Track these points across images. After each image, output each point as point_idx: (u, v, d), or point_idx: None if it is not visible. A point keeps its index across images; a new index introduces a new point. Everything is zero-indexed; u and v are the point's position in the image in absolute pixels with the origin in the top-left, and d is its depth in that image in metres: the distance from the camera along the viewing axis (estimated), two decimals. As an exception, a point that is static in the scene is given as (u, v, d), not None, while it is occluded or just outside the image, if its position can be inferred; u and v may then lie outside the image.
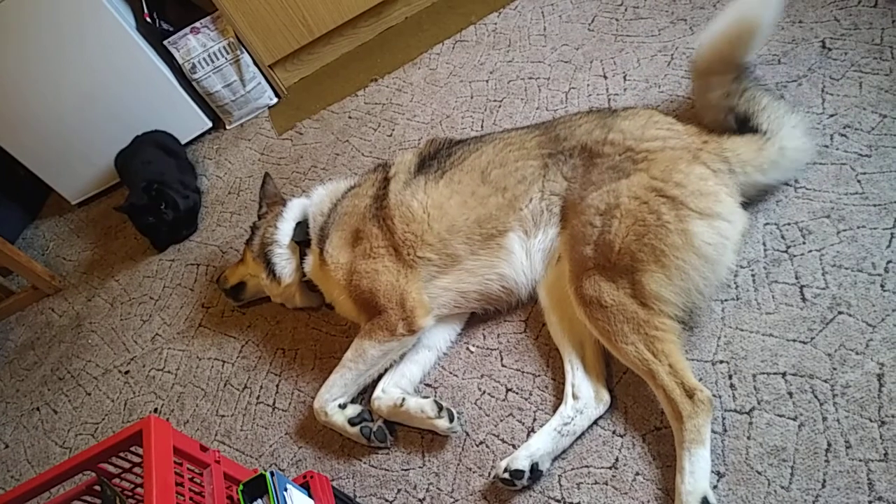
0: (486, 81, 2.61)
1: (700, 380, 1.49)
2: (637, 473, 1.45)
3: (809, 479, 1.30)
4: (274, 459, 1.87)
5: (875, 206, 1.59)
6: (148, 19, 2.87)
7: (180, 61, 2.97)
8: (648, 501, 1.40)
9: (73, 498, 1.44)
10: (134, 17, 2.92)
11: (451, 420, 1.65)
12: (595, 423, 1.55)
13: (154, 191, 2.64)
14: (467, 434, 1.68)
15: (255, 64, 3.09)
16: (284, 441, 1.89)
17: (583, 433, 1.54)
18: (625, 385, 1.59)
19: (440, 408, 1.65)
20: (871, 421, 1.32)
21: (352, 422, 1.75)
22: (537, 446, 1.51)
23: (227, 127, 3.25)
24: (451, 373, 1.82)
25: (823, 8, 2.06)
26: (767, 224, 1.68)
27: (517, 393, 1.70)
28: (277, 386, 2.04)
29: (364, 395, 1.86)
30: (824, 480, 1.29)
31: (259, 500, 1.32)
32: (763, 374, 1.46)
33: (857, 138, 1.73)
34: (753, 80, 1.74)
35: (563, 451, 1.54)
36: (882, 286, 1.47)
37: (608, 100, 2.24)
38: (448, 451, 1.67)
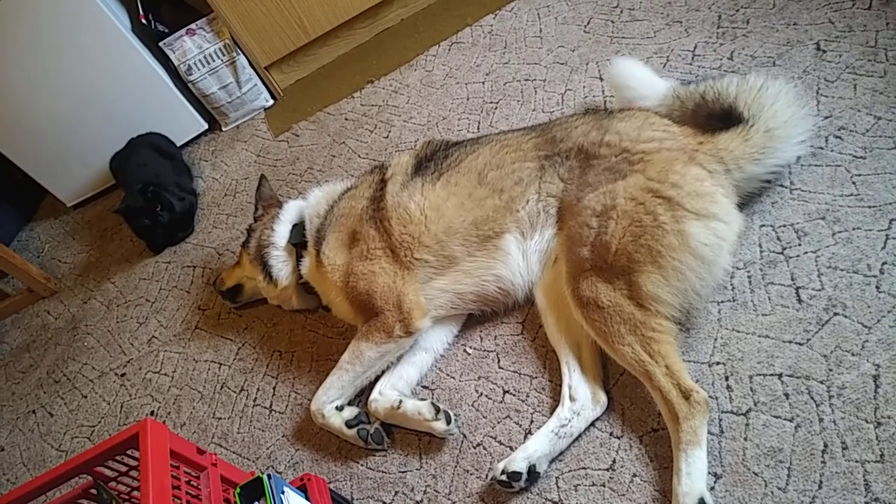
0: (483, 83, 2.61)
1: (697, 381, 1.49)
2: (634, 475, 1.45)
3: (806, 481, 1.30)
4: (271, 462, 1.87)
5: (870, 207, 1.60)
6: (143, 21, 2.87)
7: (176, 63, 2.96)
8: (646, 503, 1.41)
9: (70, 501, 1.44)
10: (129, 18, 2.92)
11: (449, 422, 1.65)
12: (592, 424, 1.55)
13: (150, 193, 2.64)
14: (464, 436, 1.68)
15: (251, 66, 3.09)
16: (281, 443, 1.89)
17: (580, 435, 1.54)
18: (622, 386, 1.59)
19: (437, 410, 1.65)
20: (867, 422, 1.32)
21: (349, 424, 1.75)
22: (534, 448, 1.51)
23: (223, 129, 3.24)
24: (448, 375, 1.82)
25: (818, 10, 2.07)
26: (763, 226, 1.69)
27: (514, 395, 1.70)
28: (274, 388, 2.03)
29: (361, 397, 1.86)
30: (821, 481, 1.29)
31: (256, 503, 1.32)
32: (759, 375, 1.47)
33: (852, 140, 1.74)
34: (704, 81, 1.76)
35: (561, 453, 1.54)
36: (877, 287, 1.48)
37: (604, 101, 2.25)
38: (445, 453, 1.67)
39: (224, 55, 3.00)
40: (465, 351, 1.85)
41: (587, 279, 1.56)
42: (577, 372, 1.61)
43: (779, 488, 1.31)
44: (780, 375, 1.45)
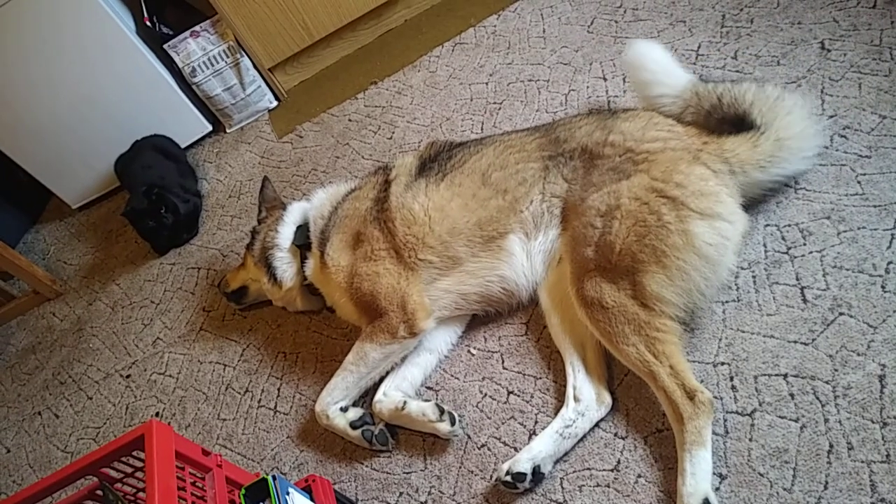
0: (486, 84, 2.61)
1: (701, 381, 1.49)
2: (639, 475, 1.45)
3: (812, 481, 1.30)
4: (276, 463, 1.87)
5: (875, 206, 1.59)
6: (148, 23, 2.87)
7: (180, 65, 2.97)
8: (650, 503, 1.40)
9: (76, 503, 1.44)
10: (134, 20, 2.92)
11: (453, 423, 1.65)
12: (597, 425, 1.55)
13: (154, 195, 2.65)
14: (469, 437, 1.68)
15: (255, 67, 3.09)
16: (286, 445, 1.89)
17: (584, 435, 1.54)
18: (626, 387, 1.59)
19: (441, 411, 1.65)
20: (872, 422, 1.32)
21: (353, 425, 1.75)
22: (539, 449, 1.51)
23: (227, 130, 3.25)
24: (452, 376, 1.82)
25: (822, 9, 2.06)
26: (768, 225, 1.68)
27: (519, 395, 1.70)
28: (279, 389, 2.04)
29: (366, 398, 1.86)
30: (826, 482, 1.29)
31: (261, 504, 1.32)
32: (764, 375, 1.46)
33: (857, 139, 1.73)
34: (723, 83, 1.74)
35: (565, 454, 1.54)
36: (883, 287, 1.47)
37: (608, 102, 2.25)
38: (450, 454, 1.67)
39: (228, 57, 3.00)
40: (469, 352, 1.85)
41: (591, 279, 1.55)
42: (581, 372, 1.60)
43: (784, 489, 1.31)
44: (785, 376, 1.44)
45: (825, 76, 1.90)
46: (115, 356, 2.49)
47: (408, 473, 1.68)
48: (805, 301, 1.53)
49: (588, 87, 2.34)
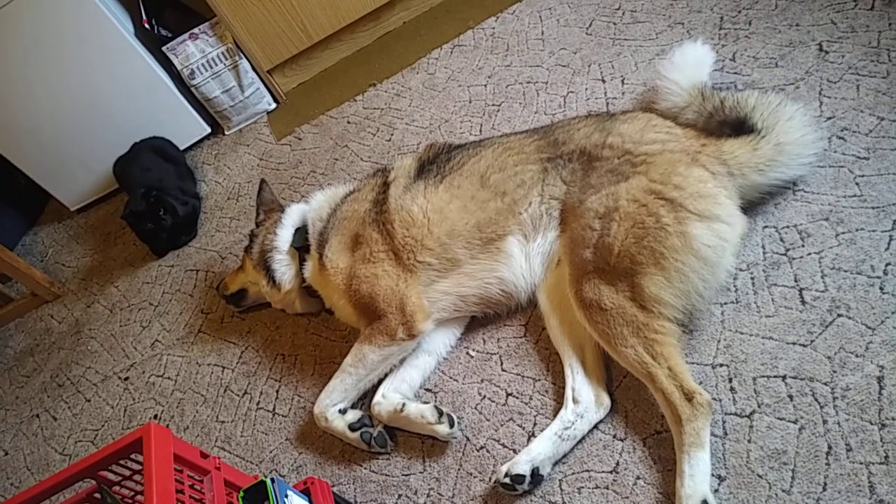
0: (485, 86, 2.61)
1: (700, 383, 1.49)
2: (638, 477, 1.45)
3: (810, 483, 1.30)
4: (274, 465, 1.87)
5: (873, 208, 1.60)
6: (146, 25, 2.88)
7: (179, 67, 2.97)
8: (649, 505, 1.40)
9: (74, 505, 1.44)
10: (132, 23, 2.92)
11: (452, 425, 1.65)
12: (596, 427, 1.55)
13: (153, 197, 2.65)
14: (468, 439, 1.67)
15: (254, 69, 3.09)
16: (285, 447, 1.89)
17: (583, 437, 1.54)
18: (625, 389, 1.59)
19: (440, 413, 1.65)
20: (871, 424, 1.32)
21: (352, 427, 1.75)
22: (538, 451, 1.51)
23: (226, 132, 3.25)
24: (451, 378, 1.82)
25: (820, 11, 2.07)
26: (766, 227, 1.68)
27: (517, 397, 1.70)
28: (277, 391, 2.04)
29: (364, 400, 1.86)
30: (825, 484, 1.29)
31: (259, 507, 1.32)
32: (763, 377, 1.46)
33: (855, 141, 1.73)
34: (725, 89, 1.76)
35: (564, 456, 1.54)
36: (881, 288, 1.47)
37: (606, 104, 2.25)
38: (449, 456, 1.67)
39: (227, 59, 3.00)
40: (468, 354, 1.85)
41: (590, 281, 1.55)
42: (580, 374, 1.60)
43: (783, 490, 1.31)
44: (783, 377, 1.45)
45: (823, 78, 1.91)
46: (114, 358, 2.49)
47: (406, 475, 1.68)
48: (803, 303, 1.53)
49: (586, 88, 2.34)
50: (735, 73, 2.07)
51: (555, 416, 1.58)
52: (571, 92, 2.36)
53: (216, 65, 3.00)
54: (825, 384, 1.40)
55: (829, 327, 1.47)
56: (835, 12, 2.04)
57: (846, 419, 1.34)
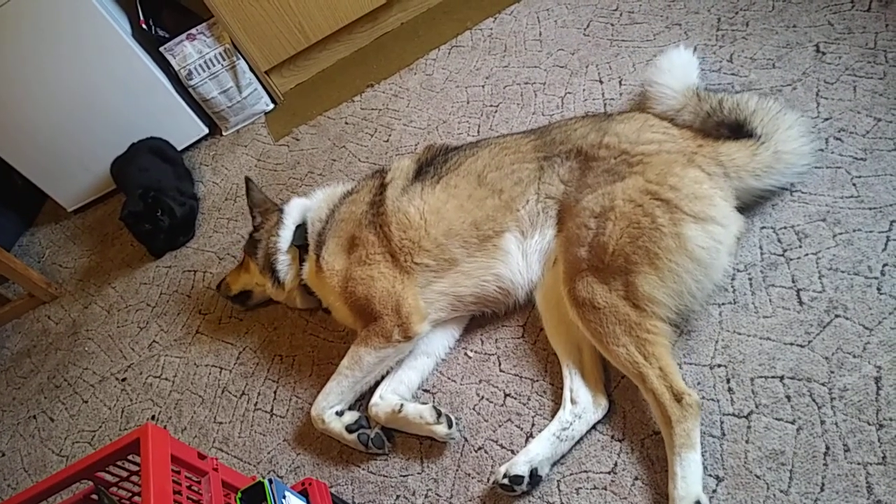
0: (483, 87, 2.61)
1: (698, 384, 1.49)
2: (636, 478, 1.45)
3: (808, 483, 1.30)
4: (272, 466, 1.87)
5: (871, 209, 1.60)
6: (144, 26, 2.87)
7: (176, 68, 2.97)
8: (647, 506, 1.40)
9: (71, 507, 1.44)
10: (130, 23, 2.92)
11: (450, 426, 1.64)
12: (593, 427, 1.55)
13: (150, 198, 2.64)
14: (466, 440, 1.67)
15: (252, 70, 3.09)
16: (282, 448, 1.89)
17: (581, 438, 1.54)
18: (623, 389, 1.59)
19: (438, 413, 1.65)
20: (869, 424, 1.32)
21: (349, 429, 1.75)
22: (536, 451, 1.51)
23: (224, 133, 3.25)
24: (449, 378, 1.82)
25: (817, 12, 2.07)
26: (764, 228, 1.69)
27: (515, 398, 1.70)
28: (275, 392, 2.03)
29: (362, 401, 1.85)
30: (823, 484, 1.29)
31: (257, 508, 1.31)
32: (761, 377, 1.47)
33: (852, 142, 1.74)
34: (722, 90, 1.76)
35: (562, 457, 1.54)
36: (878, 289, 1.48)
37: (604, 104, 2.25)
38: (447, 456, 1.67)
39: (224, 60, 3.00)
40: (465, 354, 1.85)
41: (583, 279, 1.56)
42: (578, 375, 1.60)
43: (781, 491, 1.31)
44: (781, 378, 1.45)
45: (820, 79, 1.91)
46: (111, 359, 2.48)
47: (404, 476, 1.68)
48: (801, 303, 1.53)
49: (584, 89, 2.34)
50: (732, 74, 2.07)
51: (553, 416, 1.58)
52: (569, 93, 2.37)
53: (214, 65, 3.00)
54: (823, 385, 1.40)
55: (827, 328, 1.47)
56: (832, 14, 2.04)
57: (844, 420, 1.35)
